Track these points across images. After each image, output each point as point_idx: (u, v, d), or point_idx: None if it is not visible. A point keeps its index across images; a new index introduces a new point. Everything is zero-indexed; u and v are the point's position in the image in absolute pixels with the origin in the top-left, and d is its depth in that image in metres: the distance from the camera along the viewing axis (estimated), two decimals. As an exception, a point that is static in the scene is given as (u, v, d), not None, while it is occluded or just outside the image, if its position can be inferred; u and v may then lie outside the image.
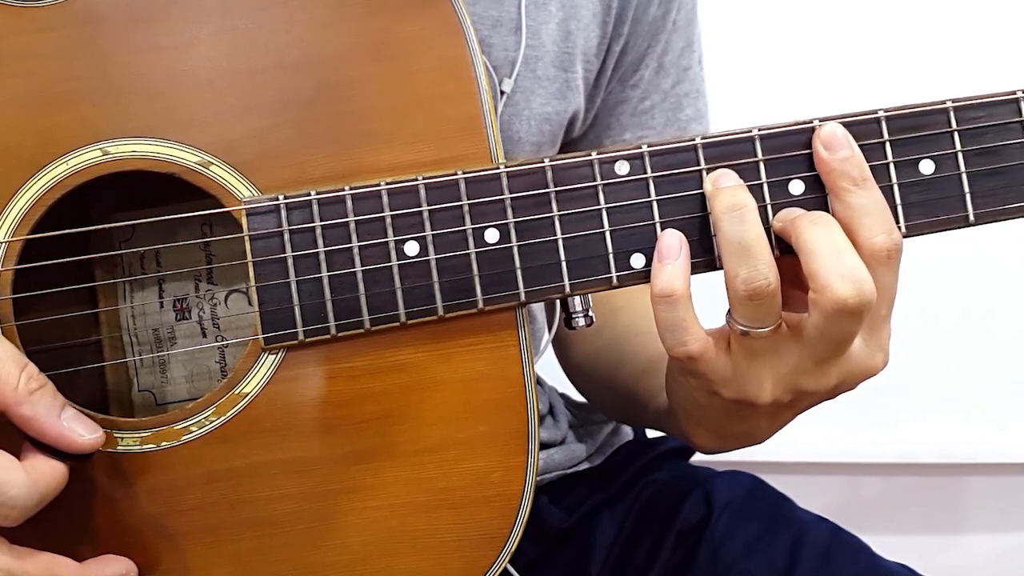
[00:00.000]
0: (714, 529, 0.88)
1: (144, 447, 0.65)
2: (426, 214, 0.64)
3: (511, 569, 0.79)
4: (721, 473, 0.95)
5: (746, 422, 0.69)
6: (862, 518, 1.62)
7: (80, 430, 0.60)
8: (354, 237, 0.64)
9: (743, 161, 0.65)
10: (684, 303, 0.62)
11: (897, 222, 0.65)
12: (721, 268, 0.63)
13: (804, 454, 1.64)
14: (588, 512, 0.95)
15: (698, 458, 1.03)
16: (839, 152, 0.63)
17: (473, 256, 0.64)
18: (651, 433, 1.03)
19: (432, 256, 0.64)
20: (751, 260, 0.60)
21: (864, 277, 0.59)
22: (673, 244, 0.63)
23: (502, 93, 0.83)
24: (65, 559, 0.60)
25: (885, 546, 0.89)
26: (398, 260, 0.64)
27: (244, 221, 0.64)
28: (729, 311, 0.63)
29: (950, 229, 0.66)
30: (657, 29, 0.91)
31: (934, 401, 1.63)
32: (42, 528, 0.61)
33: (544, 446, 0.95)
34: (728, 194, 0.62)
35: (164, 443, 0.65)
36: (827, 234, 0.61)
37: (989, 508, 1.71)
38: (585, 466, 0.99)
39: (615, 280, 0.65)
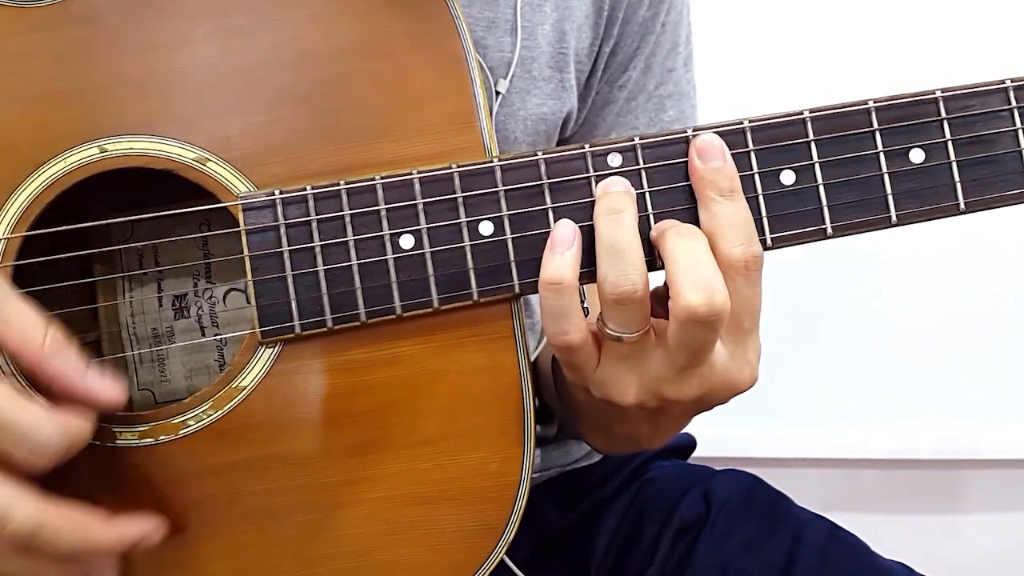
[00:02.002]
0: (712, 527, 0.89)
1: (142, 441, 0.65)
2: (421, 207, 0.65)
3: (508, 562, 0.79)
4: (719, 471, 0.96)
5: (624, 425, 0.69)
6: (859, 514, 1.63)
7: (105, 385, 0.60)
8: (349, 231, 0.65)
9: (734, 152, 0.65)
10: (571, 292, 0.63)
11: (887, 211, 0.65)
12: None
13: (803, 450, 1.65)
14: (587, 510, 0.95)
15: (697, 456, 1.04)
16: (711, 162, 0.64)
17: (468, 248, 0.65)
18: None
19: (427, 249, 0.65)
20: (621, 264, 0.61)
21: (717, 287, 0.60)
22: (567, 235, 0.64)
23: (497, 94, 0.84)
24: (94, 515, 0.60)
25: (883, 542, 0.89)
26: (393, 253, 0.65)
27: (240, 216, 0.65)
28: (599, 315, 0.63)
29: (941, 217, 0.66)
30: (646, 30, 0.92)
31: (930, 398, 1.64)
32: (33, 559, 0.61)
33: (541, 442, 0.96)
34: (610, 198, 0.63)
35: (162, 437, 0.65)
36: (688, 245, 0.61)
37: (985, 504, 1.72)
38: (583, 463, 0.99)
39: (608, 271, 0.65)
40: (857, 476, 1.71)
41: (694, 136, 0.65)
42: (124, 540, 0.60)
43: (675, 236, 0.62)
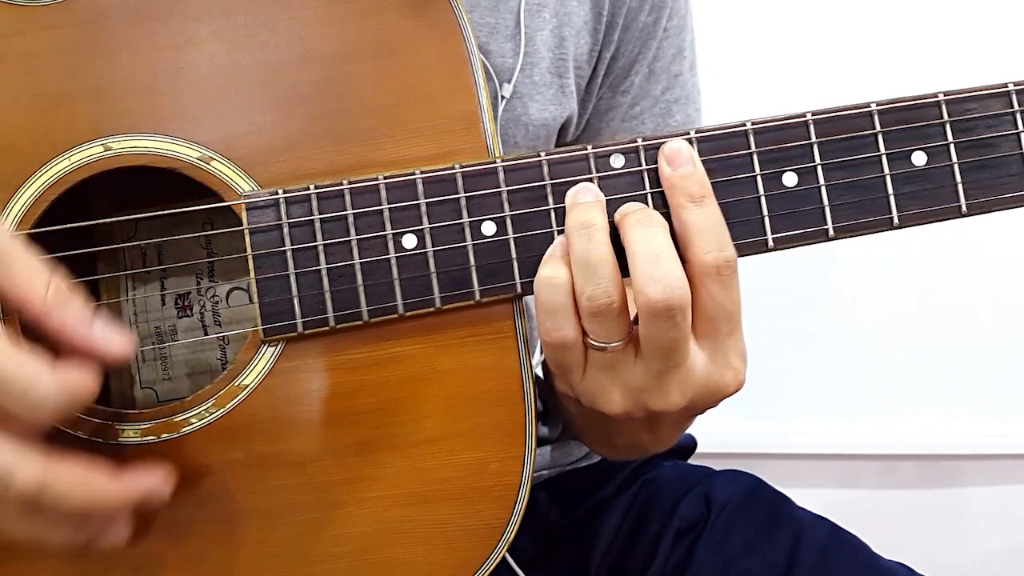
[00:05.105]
0: (713, 528, 0.89)
1: (144, 439, 0.65)
2: (423, 207, 0.65)
3: (510, 560, 0.79)
4: (720, 472, 0.96)
5: (623, 435, 0.70)
6: (859, 509, 1.64)
7: (109, 337, 0.58)
8: (352, 230, 0.65)
9: (736, 153, 0.65)
10: (567, 289, 0.62)
11: (889, 213, 0.65)
12: None
13: (804, 445, 1.66)
14: (587, 510, 0.95)
15: (698, 456, 1.04)
16: (680, 168, 0.64)
17: (470, 248, 0.65)
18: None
19: (429, 248, 0.65)
20: (595, 278, 0.61)
21: (676, 283, 0.60)
22: (561, 241, 0.64)
23: (502, 98, 0.84)
24: (100, 471, 0.58)
25: (883, 538, 0.89)
26: (396, 252, 0.65)
27: (244, 215, 0.65)
28: (583, 326, 0.63)
29: (942, 220, 0.66)
30: (648, 36, 0.92)
31: (931, 394, 1.65)
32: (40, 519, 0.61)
33: (542, 442, 0.96)
34: (581, 211, 0.63)
35: (164, 435, 0.65)
36: (649, 236, 0.61)
37: (985, 500, 1.73)
38: (583, 463, 0.99)
39: (610, 271, 0.65)
40: (857, 470, 1.71)
41: (695, 138, 0.65)
42: (131, 496, 0.59)
43: (635, 224, 0.62)
